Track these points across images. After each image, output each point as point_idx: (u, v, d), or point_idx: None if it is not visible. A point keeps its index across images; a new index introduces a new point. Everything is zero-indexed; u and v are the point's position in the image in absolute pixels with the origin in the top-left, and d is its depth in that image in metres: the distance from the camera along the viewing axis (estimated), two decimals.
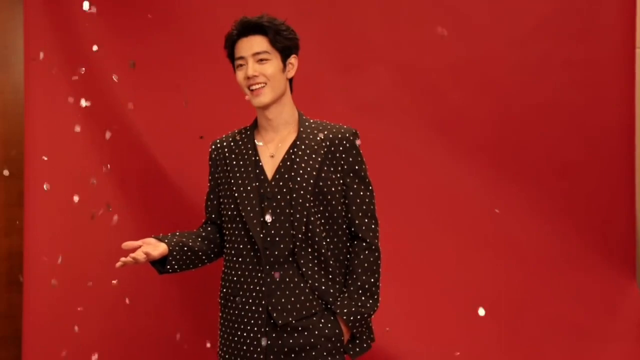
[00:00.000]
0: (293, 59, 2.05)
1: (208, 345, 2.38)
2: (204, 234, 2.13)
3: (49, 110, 2.72)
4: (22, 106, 2.80)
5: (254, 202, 1.99)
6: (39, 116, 2.73)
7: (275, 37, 1.99)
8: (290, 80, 2.09)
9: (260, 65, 1.99)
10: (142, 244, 1.95)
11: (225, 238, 2.09)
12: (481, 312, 2.16)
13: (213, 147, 2.15)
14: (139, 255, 1.90)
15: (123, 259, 1.90)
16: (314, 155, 2.00)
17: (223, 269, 2.09)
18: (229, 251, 2.07)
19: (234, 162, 2.06)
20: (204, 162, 2.17)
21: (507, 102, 2.88)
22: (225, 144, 2.13)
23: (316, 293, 1.97)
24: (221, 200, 2.09)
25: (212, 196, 2.15)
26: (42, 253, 2.66)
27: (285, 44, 2.01)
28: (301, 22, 2.09)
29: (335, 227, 2.01)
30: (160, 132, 2.77)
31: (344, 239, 2.04)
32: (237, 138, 2.11)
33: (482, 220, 2.87)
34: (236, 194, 2.02)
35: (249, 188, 2.01)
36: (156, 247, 1.96)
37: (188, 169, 2.72)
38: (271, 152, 2.05)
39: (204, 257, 2.10)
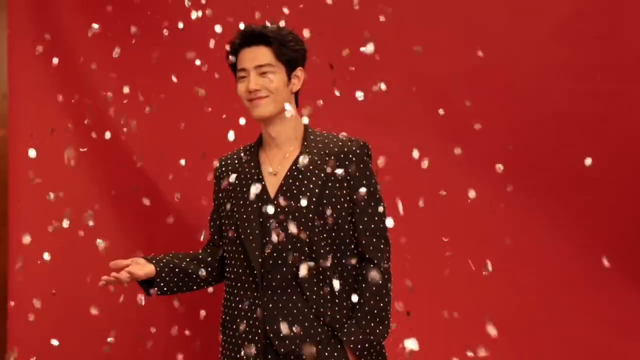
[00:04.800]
0: (299, 72, 2.05)
1: None
2: (201, 256, 2.14)
3: (34, 107, 2.80)
4: (5, 103, 2.86)
5: (254, 223, 1.99)
6: (24, 113, 2.81)
7: (280, 49, 1.98)
8: (296, 94, 2.09)
9: (263, 78, 1.99)
10: (130, 263, 1.98)
11: (226, 262, 2.10)
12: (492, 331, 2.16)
13: (217, 164, 2.17)
14: (123, 275, 1.93)
15: (106, 277, 1.92)
16: (317, 171, 1.99)
17: (224, 294, 2.10)
18: (229, 275, 2.08)
19: (237, 181, 2.07)
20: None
21: (523, 110, 2.87)
22: (229, 161, 2.15)
23: (321, 319, 1.96)
24: (223, 221, 2.10)
25: (214, 216, 2.17)
26: (27, 249, 2.65)
27: (290, 56, 2.01)
28: (306, 28, 2.09)
29: (342, 248, 2.00)
30: (147, 132, 2.82)
31: (352, 260, 2.02)
32: (242, 155, 2.12)
33: (498, 235, 2.85)
34: (237, 215, 2.03)
35: (250, 209, 2.01)
36: (142, 268, 1.99)
37: (169, 168, 2.74)
38: (274, 169, 2.05)
39: (198, 280, 2.12)
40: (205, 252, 2.18)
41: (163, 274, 2.03)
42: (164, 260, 2.05)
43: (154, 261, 2.03)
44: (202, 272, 2.09)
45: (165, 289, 2.04)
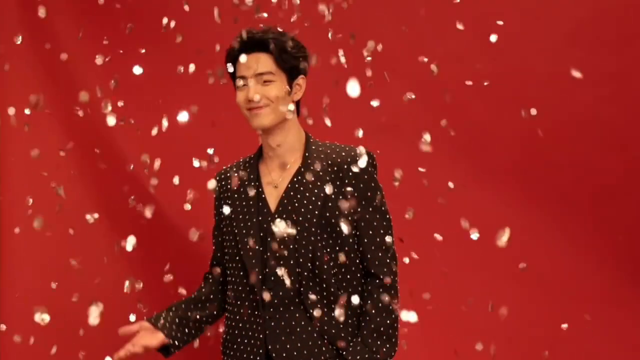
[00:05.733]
0: (301, 80, 2.02)
1: None
2: (203, 297, 2.13)
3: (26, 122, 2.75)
4: None
5: (254, 239, 1.97)
6: (15, 129, 2.75)
7: (281, 56, 1.95)
8: (298, 102, 2.06)
9: (263, 86, 1.96)
10: (139, 329, 2.00)
11: (227, 279, 2.07)
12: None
13: (217, 178, 2.15)
14: (137, 349, 1.96)
15: (119, 355, 1.94)
16: (319, 183, 1.96)
17: (226, 313, 2.08)
18: (230, 293, 2.05)
19: (236, 195, 2.05)
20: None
21: (536, 119, 2.74)
22: (229, 174, 2.12)
23: (325, 337, 1.95)
24: (224, 236, 2.08)
25: (216, 232, 2.15)
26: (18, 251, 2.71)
27: (292, 64, 1.98)
28: (310, 34, 2.05)
29: (347, 263, 1.97)
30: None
31: (358, 275, 2.00)
32: (242, 168, 2.10)
33: (509, 251, 2.80)
34: (236, 230, 2.01)
35: (249, 224, 1.99)
36: (154, 337, 2.00)
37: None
38: (275, 181, 2.03)
39: (209, 320, 2.13)
40: (207, 281, 2.16)
41: (173, 333, 2.03)
42: (169, 319, 2.04)
43: (159, 324, 2.02)
44: (208, 313, 2.11)
45: (181, 345, 2.05)
